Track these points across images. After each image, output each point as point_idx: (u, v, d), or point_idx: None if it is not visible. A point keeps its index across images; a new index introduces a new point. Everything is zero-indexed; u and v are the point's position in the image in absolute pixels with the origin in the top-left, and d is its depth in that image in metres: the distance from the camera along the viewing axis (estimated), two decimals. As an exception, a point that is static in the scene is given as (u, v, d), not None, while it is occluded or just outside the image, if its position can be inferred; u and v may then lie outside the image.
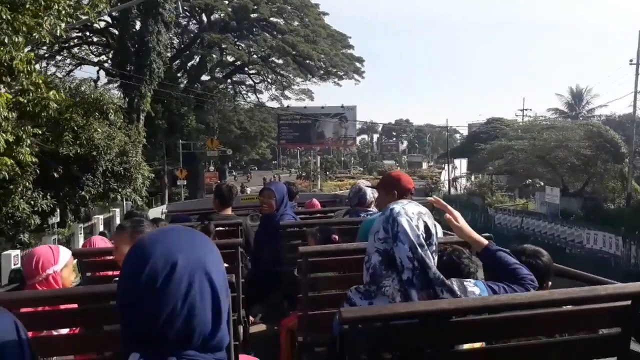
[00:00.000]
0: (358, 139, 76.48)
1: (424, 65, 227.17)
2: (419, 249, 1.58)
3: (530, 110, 53.96)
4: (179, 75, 40.02)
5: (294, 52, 34.98)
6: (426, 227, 1.64)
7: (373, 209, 3.65)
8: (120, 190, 15.74)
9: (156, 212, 7.55)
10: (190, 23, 41.13)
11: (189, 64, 41.20)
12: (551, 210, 24.49)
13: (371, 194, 3.71)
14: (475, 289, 1.66)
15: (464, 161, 50.60)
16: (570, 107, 53.09)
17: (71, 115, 13.76)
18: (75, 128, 13.87)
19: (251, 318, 4.09)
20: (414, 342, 1.54)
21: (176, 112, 29.00)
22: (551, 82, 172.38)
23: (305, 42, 34.93)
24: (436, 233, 1.68)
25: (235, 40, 35.06)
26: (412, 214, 1.64)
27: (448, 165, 39.06)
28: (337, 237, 3.29)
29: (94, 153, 14.17)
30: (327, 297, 2.60)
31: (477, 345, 1.66)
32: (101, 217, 19.54)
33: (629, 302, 1.59)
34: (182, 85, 38.74)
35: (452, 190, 43.01)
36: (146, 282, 0.92)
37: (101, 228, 18.31)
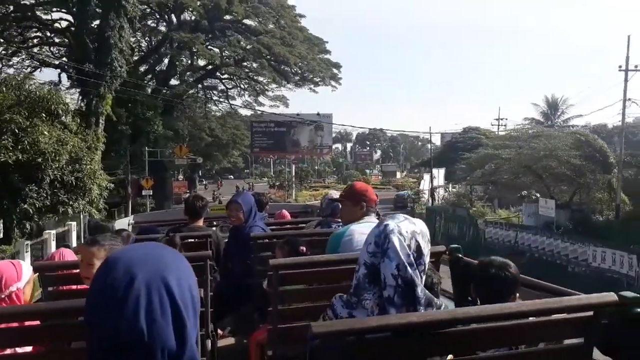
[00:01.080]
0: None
1: (398, 74, 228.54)
2: (409, 269, 1.58)
3: (506, 119, 53.47)
4: (146, 79, 37.83)
5: (269, 55, 33.17)
6: (418, 247, 1.64)
7: None
8: (71, 202, 13.62)
9: (123, 223, 7.22)
10: (160, 24, 39.01)
11: (157, 68, 39.06)
12: (539, 223, 23.42)
13: None
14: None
15: (442, 171, 49.74)
16: (546, 116, 53.01)
17: (11, 116, 11.74)
18: (17, 131, 11.84)
19: (220, 331, 4.00)
20: (386, 356, 1.54)
21: (141, 117, 26.80)
22: (527, 91, 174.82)
23: (282, 45, 33.24)
24: (428, 253, 1.68)
25: (207, 41, 32.97)
26: (405, 233, 1.63)
27: (431, 175, 37.77)
28: (304, 248, 3.25)
29: (39, 160, 12.13)
30: (298, 310, 2.58)
31: (449, 358, 1.67)
32: (53, 232, 17.19)
33: (591, 313, 1.64)
34: (149, 90, 36.68)
35: (432, 201, 41.91)
36: (107, 297, 0.93)
37: (53, 245, 16.08)
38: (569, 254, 16.07)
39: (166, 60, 37.34)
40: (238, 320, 4.13)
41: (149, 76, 40.03)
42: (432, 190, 35.38)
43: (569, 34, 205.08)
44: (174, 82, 40.75)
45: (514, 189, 26.94)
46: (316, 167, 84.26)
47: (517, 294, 2.11)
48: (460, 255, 2.88)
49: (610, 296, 1.65)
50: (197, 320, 1.01)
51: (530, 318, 1.63)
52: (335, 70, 41.66)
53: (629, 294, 1.79)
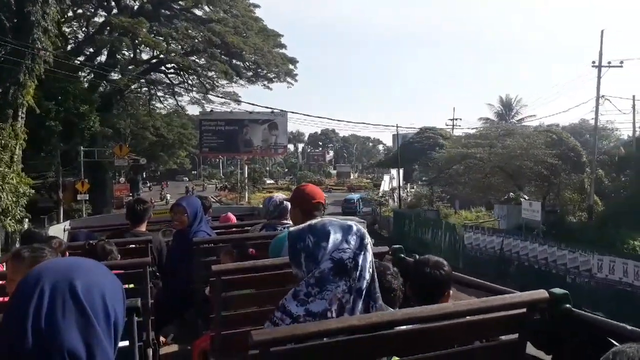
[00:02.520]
0: (284, 148, 72.67)
1: (350, 75, 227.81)
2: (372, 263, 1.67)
3: (461, 120, 52.83)
4: (82, 73, 34.09)
5: (220, 45, 30.21)
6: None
7: (290, 221, 3.55)
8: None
9: (58, 229, 6.57)
10: (98, 12, 35.21)
11: (96, 61, 35.41)
12: (510, 225, 22.17)
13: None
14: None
15: (400, 171, 48.55)
16: (501, 116, 53.00)
17: None
18: None
19: (163, 339, 3.83)
20: None
21: (74, 112, 23.33)
22: (481, 91, 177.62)
23: (235, 35, 30.46)
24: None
25: (152, 29, 29.61)
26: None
27: (398, 175, 36.05)
28: (254, 250, 3.25)
29: None
30: (241, 316, 2.57)
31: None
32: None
33: (524, 310, 1.70)
34: (86, 84, 32.94)
35: (392, 203, 40.41)
36: (15, 302, 0.98)
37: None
38: (567, 262, 14.55)
39: (105, 51, 33.74)
40: (181, 327, 4.05)
41: (87, 70, 36.31)
42: (399, 192, 33.66)
43: (523, 35, 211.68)
44: (114, 77, 37.33)
45: (483, 189, 25.69)
46: (267, 168, 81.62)
47: (450, 292, 2.18)
48: (403, 256, 2.89)
49: (542, 293, 1.75)
50: (111, 329, 1.01)
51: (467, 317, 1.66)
52: (291, 66, 39.34)
53: (558, 290, 1.84)
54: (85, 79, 35.06)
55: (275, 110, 45.73)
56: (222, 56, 34.44)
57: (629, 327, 1.66)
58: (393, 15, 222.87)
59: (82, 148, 29.56)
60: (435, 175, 27.49)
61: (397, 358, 1.66)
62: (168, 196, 59.95)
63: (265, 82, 41.08)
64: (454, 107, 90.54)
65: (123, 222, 4.80)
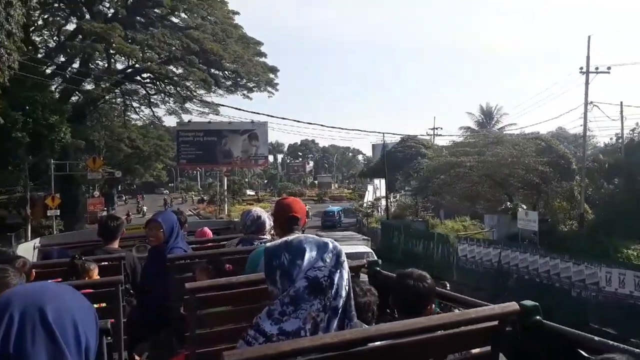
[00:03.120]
0: (263, 159, 71.50)
1: (329, 86, 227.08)
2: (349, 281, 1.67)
3: (441, 129, 52.64)
4: (53, 82, 32.59)
5: (199, 52, 29.07)
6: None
7: (267, 236, 3.64)
8: None
9: (27, 248, 6.06)
10: (69, 21, 33.78)
11: (69, 71, 33.96)
12: (501, 235, 21.56)
13: (270, 222, 3.70)
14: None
15: (383, 181, 47.89)
16: (481, 125, 52.99)
17: None
18: None
19: (137, 357, 3.77)
20: None
21: (43, 123, 21.92)
22: (461, 100, 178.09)
23: (214, 42, 29.41)
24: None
25: (127, 36, 28.34)
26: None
27: (386, 187, 35.21)
28: (230, 266, 3.21)
29: None
30: (217, 334, 2.53)
31: None
32: None
33: (496, 322, 1.74)
34: (57, 94, 31.44)
35: (376, 213, 39.64)
36: None
37: None
38: (571, 275, 13.84)
39: (78, 60, 32.32)
40: (156, 345, 3.90)
41: (58, 80, 34.81)
42: (387, 202, 32.81)
43: (510, 41, 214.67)
44: (87, 87, 35.87)
45: (470, 199, 25.08)
46: (246, 180, 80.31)
47: (433, 305, 2.20)
48: (378, 269, 2.90)
49: (512, 306, 1.79)
50: (82, 355, 1.00)
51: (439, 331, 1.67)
52: (271, 75, 38.44)
53: (529, 302, 1.86)
54: (57, 90, 33.59)
55: (255, 121, 44.88)
56: (201, 64, 33.42)
57: (597, 339, 1.68)
58: (365, 24, 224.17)
59: (52, 161, 28.08)
60: (423, 184, 26.73)
61: None
62: (145, 208, 58.36)
63: (245, 92, 40.09)
64: (435, 116, 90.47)
65: (96, 239, 4.68)
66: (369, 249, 15.43)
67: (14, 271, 2.40)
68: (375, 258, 12.32)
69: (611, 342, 1.66)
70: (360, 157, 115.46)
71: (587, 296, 13.37)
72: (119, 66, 37.03)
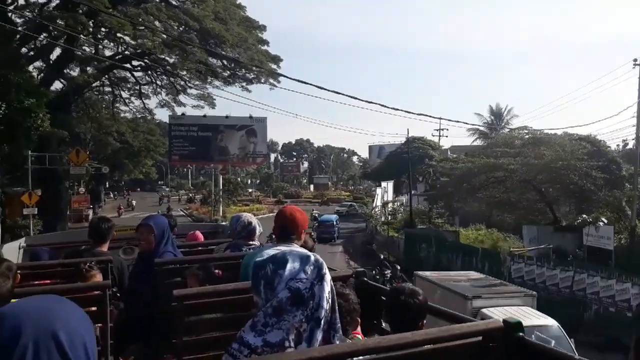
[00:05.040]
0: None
1: (327, 84, 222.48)
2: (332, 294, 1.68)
3: (447, 130, 50.09)
4: (33, 67, 29.46)
5: (198, 28, 25.74)
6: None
7: (256, 242, 3.64)
8: None
9: (12, 247, 5.89)
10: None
11: (52, 57, 30.79)
12: (539, 250, 18.78)
13: (260, 228, 3.70)
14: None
15: (390, 184, 45.11)
16: (491, 126, 50.73)
17: None
18: None
19: None
20: None
21: (16, 106, 18.73)
22: (468, 102, 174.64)
23: (215, 20, 26.23)
24: None
25: (115, 9, 25.06)
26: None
27: (409, 191, 32.18)
28: (220, 272, 3.20)
29: None
30: (204, 341, 2.52)
31: None
32: None
33: (480, 338, 1.78)
34: (37, 81, 28.26)
35: (383, 218, 36.77)
36: None
37: None
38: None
39: (61, 41, 29.13)
40: (143, 351, 3.76)
41: (39, 64, 31.63)
42: (410, 206, 29.74)
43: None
44: (73, 74, 32.73)
45: (501, 206, 22.26)
46: (239, 179, 77.19)
47: (424, 321, 2.19)
48: (365, 280, 2.85)
49: (496, 322, 1.83)
50: None
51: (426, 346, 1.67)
52: (273, 66, 35.42)
53: (512, 319, 1.86)
54: (39, 77, 30.43)
55: (253, 115, 41.85)
56: (199, 48, 30.26)
57: (577, 357, 1.69)
58: (369, 25, 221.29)
59: (30, 152, 24.94)
60: (446, 188, 23.80)
61: None
62: (134, 202, 55.19)
63: (244, 84, 36.99)
64: (440, 116, 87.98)
65: (84, 240, 4.53)
66: (551, 321, 9.76)
67: (1, 278, 2.24)
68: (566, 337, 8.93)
69: None
70: (355, 158, 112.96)
71: None
72: (107, 52, 33.99)
